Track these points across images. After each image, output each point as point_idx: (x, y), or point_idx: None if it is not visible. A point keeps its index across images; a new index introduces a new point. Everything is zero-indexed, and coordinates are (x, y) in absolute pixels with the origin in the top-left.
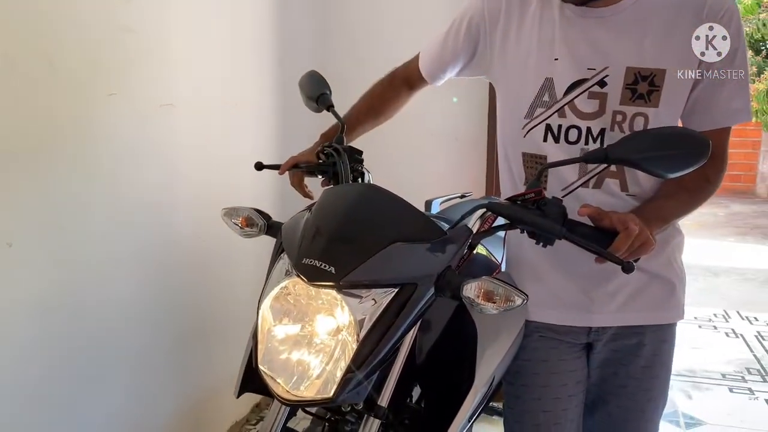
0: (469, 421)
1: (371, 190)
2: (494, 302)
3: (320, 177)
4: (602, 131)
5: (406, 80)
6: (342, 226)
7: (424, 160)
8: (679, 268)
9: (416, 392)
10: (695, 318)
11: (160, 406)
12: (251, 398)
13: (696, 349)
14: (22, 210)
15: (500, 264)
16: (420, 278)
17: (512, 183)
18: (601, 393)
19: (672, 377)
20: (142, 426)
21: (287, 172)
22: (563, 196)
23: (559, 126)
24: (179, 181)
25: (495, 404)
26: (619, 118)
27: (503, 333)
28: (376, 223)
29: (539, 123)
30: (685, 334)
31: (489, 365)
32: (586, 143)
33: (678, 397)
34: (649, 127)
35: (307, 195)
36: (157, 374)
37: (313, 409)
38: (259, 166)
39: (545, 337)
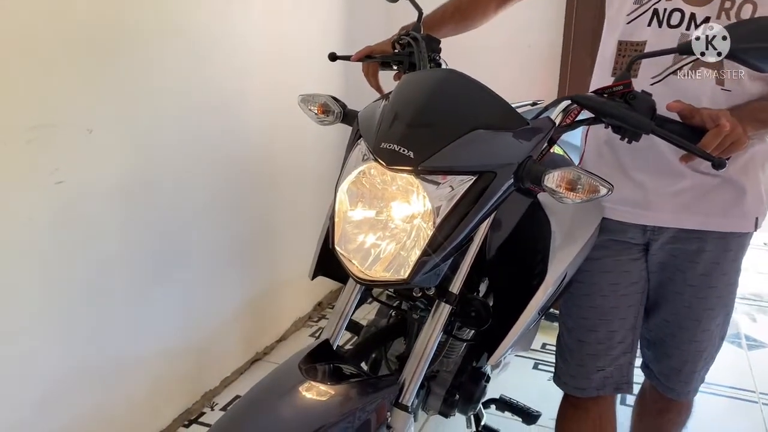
0: (539, 315)
1: (453, 75)
2: (576, 192)
3: (395, 69)
4: (707, 19)
5: None
6: (422, 110)
7: (496, 67)
8: (755, 178)
9: (483, 288)
10: (765, 244)
11: (226, 298)
12: (314, 296)
13: (763, 275)
14: (100, 98)
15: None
16: (499, 167)
17: (603, 75)
18: (658, 298)
19: (737, 300)
20: (208, 317)
21: (360, 64)
22: (653, 84)
23: (665, 9)
24: (251, 73)
25: (555, 311)
26: (727, 5)
27: (578, 231)
28: (458, 109)
29: (648, 9)
30: (753, 260)
31: (562, 262)
32: (688, 28)
33: (742, 319)
34: (757, 17)
35: (377, 87)
36: (224, 268)
37: (383, 297)
38: (333, 57)
39: (600, 237)
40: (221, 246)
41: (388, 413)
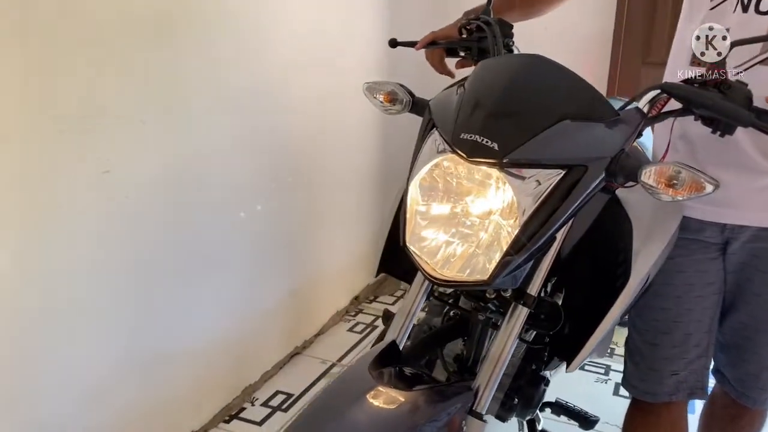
0: (621, 318)
1: (538, 60)
2: (676, 189)
3: (461, 56)
4: None
5: None
6: (506, 98)
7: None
8: None
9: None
10: None
11: (266, 292)
12: (351, 290)
13: None
14: (151, 90)
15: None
16: (591, 161)
17: (681, 65)
18: (735, 299)
19: None
20: (248, 311)
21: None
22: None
23: None
24: (296, 62)
25: None
26: None
27: (660, 228)
28: (544, 97)
29: None
30: None
31: (645, 262)
32: None
33: None
34: None
35: (447, 73)
36: (266, 261)
37: (445, 296)
38: (393, 43)
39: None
40: (263, 240)
41: (463, 422)
